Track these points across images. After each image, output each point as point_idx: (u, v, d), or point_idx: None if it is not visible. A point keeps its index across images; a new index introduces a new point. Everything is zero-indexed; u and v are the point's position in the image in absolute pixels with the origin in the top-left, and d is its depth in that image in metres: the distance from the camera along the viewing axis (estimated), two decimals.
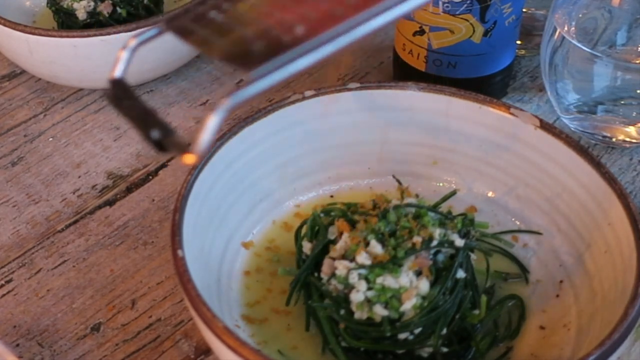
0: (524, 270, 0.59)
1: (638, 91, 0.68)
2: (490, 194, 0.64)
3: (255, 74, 0.40)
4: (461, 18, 0.68)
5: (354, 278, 0.52)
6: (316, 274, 0.55)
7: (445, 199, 0.62)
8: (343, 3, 0.42)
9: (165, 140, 0.41)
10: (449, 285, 0.52)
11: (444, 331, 0.52)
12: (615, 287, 0.53)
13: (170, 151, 0.41)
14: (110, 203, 0.69)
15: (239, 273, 0.59)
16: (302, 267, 0.56)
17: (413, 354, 0.53)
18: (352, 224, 0.55)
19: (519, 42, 0.78)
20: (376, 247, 0.52)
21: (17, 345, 0.59)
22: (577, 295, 0.57)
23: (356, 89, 0.63)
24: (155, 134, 0.41)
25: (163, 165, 0.72)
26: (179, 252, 0.52)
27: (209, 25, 0.44)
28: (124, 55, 0.46)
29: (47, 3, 0.82)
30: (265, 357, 0.47)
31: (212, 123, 0.39)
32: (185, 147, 0.40)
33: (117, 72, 0.46)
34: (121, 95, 0.45)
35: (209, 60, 0.83)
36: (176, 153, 0.41)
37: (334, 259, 0.53)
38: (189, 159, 0.40)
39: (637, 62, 0.71)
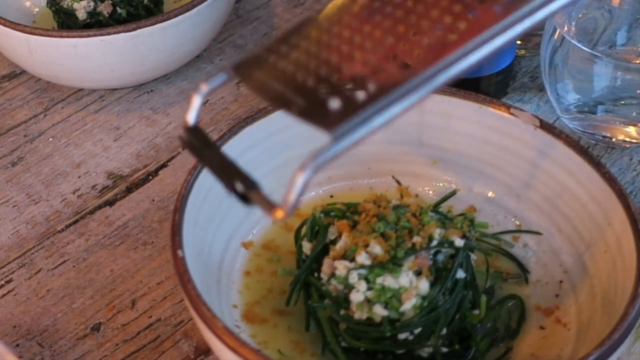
0: (524, 270, 0.59)
1: (638, 91, 0.68)
2: (490, 194, 0.64)
3: (337, 134, 0.40)
4: None
5: (354, 278, 0.52)
6: (316, 274, 0.55)
7: (445, 199, 0.62)
8: (414, 55, 0.41)
9: (250, 193, 0.41)
10: (449, 285, 0.52)
11: (444, 331, 0.52)
12: (615, 287, 0.53)
13: (255, 204, 0.41)
14: (110, 203, 0.69)
15: (239, 273, 0.59)
16: (302, 267, 0.56)
17: (413, 354, 0.53)
18: (352, 224, 0.55)
19: (519, 42, 0.78)
20: (376, 247, 0.52)
21: (17, 345, 0.59)
22: (577, 295, 0.57)
23: None
24: (240, 187, 0.41)
25: (163, 165, 0.72)
26: (179, 252, 0.52)
27: (280, 77, 0.43)
28: (196, 100, 0.46)
29: (47, 3, 0.82)
30: (265, 357, 0.47)
31: (300, 182, 0.40)
32: (272, 203, 0.40)
33: (191, 119, 0.45)
34: (200, 143, 0.45)
35: (209, 60, 0.83)
36: (263, 207, 0.41)
37: (334, 259, 0.53)
38: (279, 214, 0.40)
39: (637, 62, 0.71)
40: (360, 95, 0.40)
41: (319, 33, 0.44)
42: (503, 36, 0.41)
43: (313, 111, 0.41)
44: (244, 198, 0.42)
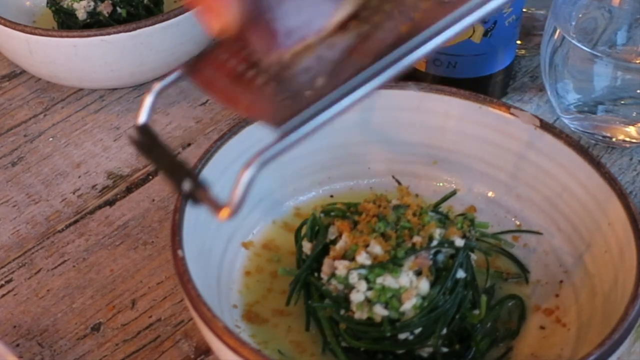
0: (524, 270, 0.59)
1: (638, 91, 0.68)
2: (490, 194, 0.64)
3: (284, 130, 0.40)
4: None
5: (354, 278, 0.52)
6: (316, 274, 0.55)
7: (445, 199, 0.62)
8: (367, 51, 0.41)
9: (197, 193, 0.41)
10: (449, 285, 0.52)
11: (444, 331, 0.52)
12: (615, 287, 0.53)
13: (202, 203, 0.41)
14: (110, 203, 0.69)
15: (239, 273, 0.59)
16: (302, 267, 0.56)
17: (413, 354, 0.53)
18: (352, 224, 0.55)
19: (519, 42, 0.78)
20: (376, 247, 0.52)
21: (17, 345, 0.59)
22: (577, 295, 0.57)
23: None
24: (187, 186, 0.41)
25: None
26: (179, 252, 0.52)
27: (228, 75, 0.43)
28: (149, 99, 0.46)
29: (47, 3, 0.82)
30: (265, 357, 0.47)
31: (245, 179, 0.40)
32: (217, 202, 0.40)
33: (143, 118, 0.46)
34: (149, 141, 0.45)
35: None
36: (208, 206, 0.41)
37: (334, 259, 0.53)
38: (224, 213, 0.40)
39: (637, 62, 0.71)
40: (308, 91, 0.40)
41: None
42: (449, 30, 0.41)
43: (260, 108, 0.41)
44: (192, 197, 0.41)
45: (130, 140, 0.46)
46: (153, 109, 0.46)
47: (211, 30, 0.42)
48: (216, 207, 0.41)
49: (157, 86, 0.46)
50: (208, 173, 0.57)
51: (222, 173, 0.59)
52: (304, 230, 0.58)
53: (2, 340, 0.58)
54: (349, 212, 0.57)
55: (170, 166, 0.43)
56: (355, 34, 0.42)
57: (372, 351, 0.53)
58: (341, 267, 0.52)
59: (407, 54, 0.41)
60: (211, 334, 0.48)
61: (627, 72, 0.68)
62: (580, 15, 0.71)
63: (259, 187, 0.62)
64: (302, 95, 0.40)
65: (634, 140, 0.71)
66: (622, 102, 0.69)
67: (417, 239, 0.53)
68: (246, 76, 0.42)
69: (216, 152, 0.59)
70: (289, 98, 0.40)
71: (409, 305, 0.51)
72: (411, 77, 0.72)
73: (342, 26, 0.42)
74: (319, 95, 0.40)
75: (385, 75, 0.41)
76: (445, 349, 0.53)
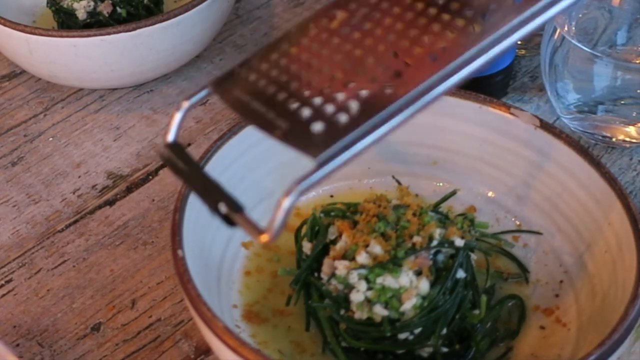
0: (524, 270, 0.59)
1: (638, 91, 0.68)
2: (490, 194, 0.64)
3: (322, 159, 0.40)
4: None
5: (354, 278, 0.52)
6: (316, 274, 0.55)
7: (445, 199, 0.62)
8: (396, 77, 0.41)
9: (234, 216, 0.40)
10: (449, 285, 0.52)
11: (444, 331, 0.52)
12: (615, 287, 0.53)
13: (240, 226, 0.41)
14: (110, 203, 0.69)
15: (239, 273, 0.59)
16: (302, 267, 0.56)
17: (413, 354, 0.53)
18: (352, 224, 0.55)
19: (519, 42, 0.77)
20: (376, 247, 0.52)
21: (17, 345, 0.59)
22: (577, 295, 0.57)
23: None
24: (224, 209, 0.41)
25: (163, 165, 0.72)
26: (179, 252, 0.52)
27: (261, 97, 0.42)
28: (177, 117, 0.45)
29: (47, 3, 0.82)
30: (265, 357, 0.47)
31: (285, 206, 0.39)
32: (257, 226, 0.40)
33: (171, 136, 0.45)
34: (179, 160, 0.44)
35: (209, 59, 0.83)
36: (247, 230, 0.40)
37: (334, 259, 0.53)
38: (264, 238, 0.39)
39: (637, 62, 0.71)
40: (344, 118, 0.40)
41: (299, 50, 0.43)
42: (487, 54, 0.41)
43: (296, 135, 0.40)
44: (228, 220, 0.41)
45: (160, 158, 0.45)
46: (180, 127, 0.45)
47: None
48: (255, 231, 0.40)
49: (186, 104, 0.45)
50: (208, 173, 0.57)
51: (222, 173, 0.59)
52: (304, 230, 0.58)
53: (2, 340, 0.58)
54: (349, 212, 0.56)
55: (204, 187, 0.42)
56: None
57: (372, 351, 0.53)
58: (341, 267, 0.52)
59: (444, 80, 0.41)
60: (211, 334, 0.48)
61: (627, 72, 0.68)
62: (580, 15, 0.71)
63: (259, 187, 0.62)
64: (337, 123, 0.40)
65: (634, 140, 0.71)
66: (622, 102, 0.69)
67: (417, 239, 0.53)
68: (288, 105, 0.41)
69: (216, 152, 0.59)
70: (325, 126, 0.40)
71: (409, 305, 0.51)
72: None
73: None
74: (356, 124, 0.40)
75: (422, 101, 0.40)
76: (445, 349, 0.53)
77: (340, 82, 0.41)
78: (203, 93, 0.45)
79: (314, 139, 0.40)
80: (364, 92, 0.41)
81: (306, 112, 0.41)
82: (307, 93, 0.41)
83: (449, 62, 0.40)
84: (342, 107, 0.40)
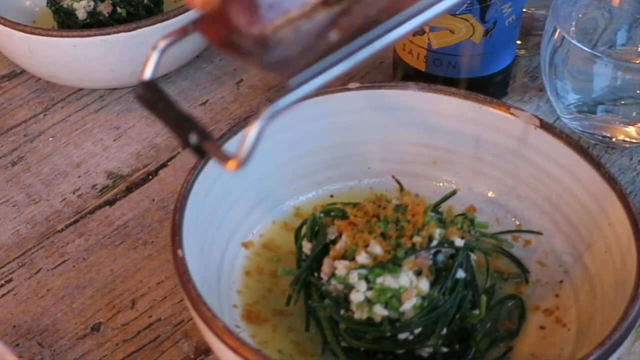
0: (524, 270, 0.59)
1: (638, 91, 0.68)
2: (490, 194, 0.64)
3: (294, 82, 0.40)
4: (461, 18, 0.68)
5: (354, 278, 0.52)
6: (316, 274, 0.55)
7: (445, 199, 0.62)
8: (348, 26, 0.41)
9: (204, 145, 0.41)
10: (449, 285, 0.52)
11: (444, 331, 0.52)
12: (615, 287, 0.53)
13: (210, 156, 0.41)
14: (110, 203, 0.69)
15: (239, 273, 0.59)
16: (302, 267, 0.56)
17: (413, 354, 0.53)
18: (352, 224, 0.55)
19: (519, 42, 0.78)
20: (376, 247, 0.52)
21: (17, 345, 0.59)
22: (577, 295, 0.57)
23: (356, 89, 0.63)
24: (194, 138, 0.41)
25: (163, 165, 0.72)
26: (179, 252, 0.52)
27: (239, 30, 0.43)
28: (154, 56, 0.46)
29: (47, 3, 0.82)
30: (265, 357, 0.47)
31: (254, 131, 0.39)
32: (225, 154, 0.40)
33: (147, 74, 0.45)
34: (154, 97, 0.44)
35: (209, 59, 0.83)
36: (217, 158, 0.41)
37: (334, 259, 0.53)
38: (232, 165, 0.40)
39: (637, 62, 0.71)
40: (319, 45, 0.40)
41: None
42: None
43: (271, 60, 0.41)
44: (199, 150, 0.41)
45: (135, 95, 0.45)
46: (158, 66, 0.45)
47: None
48: (224, 159, 0.40)
49: (163, 43, 0.46)
50: (208, 173, 0.57)
51: (222, 173, 0.59)
52: (304, 230, 0.58)
53: (2, 340, 0.58)
54: (349, 212, 0.57)
55: (176, 120, 0.42)
56: (338, 9, 0.42)
57: (372, 351, 0.53)
58: (341, 267, 0.52)
59: (389, 31, 0.41)
60: (211, 334, 0.48)
61: (627, 72, 0.68)
62: (580, 15, 0.71)
63: (259, 187, 0.62)
64: (313, 49, 0.40)
65: (634, 140, 0.71)
66: (622, 102, 0.69)
67: (417, 239, 0.53)
68: (255, 30, 0.42)
69: (221, 145, 0.58)
70: (299, 51, 0.40)
71: (409, 305, 0.51)
72: (411, 77, 0.72)
73: (324, 1, 0.42)
74: (329, 51, 0.40)
75: (399, 31, 0.41)
76: (445, 349, 0.53)
77: (317, 11, 0.42)
78: (180, 33, 0.46)
79: (288, 63, 0.40)
80: (340, 21, 0.41)
81: (282, 39, 0.41)
82: (281, 22, 0.42)
83: (399, 10, 0.41)
84: (318, 35, 0.41)
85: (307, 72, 0.40)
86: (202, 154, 0.41)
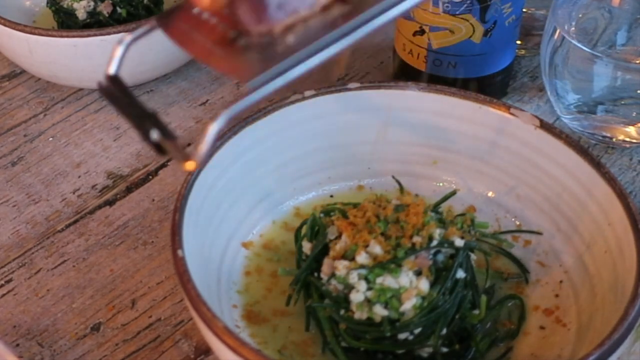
0: (524, 270, 0.59)
1: (638, 91, 0.68)
2: (490, 194, 0.64)
3: (253, 84, 0.40)
4: (461, 18, 0.68)
5: (354, 278, 0.52)
6: (316, 274, 0.55)
7: (445, 199, 0.62)
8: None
9: (165, 143, 0.41)
10: (449, 285, 0.52)
11: (444, 331, 0.52)
12: (615, 287, 0.53)
13: (169, 154, 0.41)
14: (110, 203, 0.69)
15: (239, 273, 0.59)
16: (302, 267, 0.56)
17: (413, 354, 0.53)
18: (352, 224, 0.55)
19: (519, 42, 0.78)
20: (376, 247, 0.52)
21: (17, 345, 0.59)
22: (577, 295, 0.57)
23: (356, 89, 0.63)
24: (155, 135, 0.41)
25: (163, 165, 0.72)
26: (179, 252, 0.52)
27: (201, 28, 0.43)
28: (119, 50, 0.46)
29: (47, 3, 0.82)
30: (265, 357, 0.47)
31: (212, 132, 0.40)
32: (184, 153, 0.40)
33: (113, 69, 0.46)
34: (118, 92, 0.44)
35: None
36: (176, 157, 0.41)
37: (334, 259, 0.53)
38: (190, 165, 0.40)
39: (637, 62, 0.71)
40: (279, 46, 0.40)
41: None
42: None
43: (231, 61, 0.41)
44: (158, 147, 0.41)
45: (98, 87, 0.45)
46: (123, 61, 0.46)
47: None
48: (182, 158, 0.41)
49: (129, 37, 0.46)
50: (208, 173, 0.57)
51: (222, 173, 0.59)
52: (304, 230, 0.58)
53: (2, 340, 0.58)
54: (349, 212, 0.56)
55: (138, 116, 0.43)
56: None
57: (372, 351, 0.53)
58: (341, 267, 0.52)
59: (379, 14, 0.41)
60: (211, 334, 0.48)
61: (627, 72, 0.68)
62: (580, 15, 0.71)
63: (259, 187, 0.62)
64: (272, 51, 0.40)
65: (634, 140, 0.71)
66: (622, 102, 0.69)
67: (417, 239, 0.53)
68: (226, 36, 0.42)
69: (216, 152, 0.59)
70: (259, 53, 0.40)
71: (408, 305, 0.51)
72: (411, 77, 0.72)
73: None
74: (289, 52, 0.40)
75: (356, 35, 0.41)
76: (445, 349, 0.53)
77: (278, 11, 0.42)
78: (146, 27, 0.46)
79: (248, 65, 0.40)
80: (300, 21, 0.41)
81: (242, 41, 0.41)
82: (245, 22, 0.42)
83: None
84: (279, 36, 0.41)
85: (265, 74, 0.40)
86: (162, 152, 0.41)
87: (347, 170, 0.65)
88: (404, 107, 0.63)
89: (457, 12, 0.68)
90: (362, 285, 0.51)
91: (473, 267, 0.55)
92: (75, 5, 0.78)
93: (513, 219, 0.63)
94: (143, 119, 0.42)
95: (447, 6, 0.68)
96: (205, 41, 0.43)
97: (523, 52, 0.81)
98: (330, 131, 0.64)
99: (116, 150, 0.74)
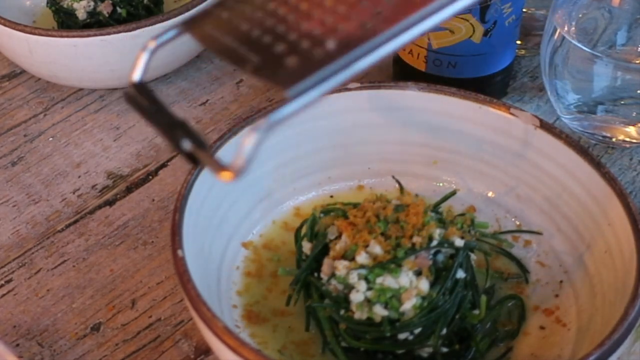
0: (524, 270, 0.59)
1: (638, 91, 0.68)
2: (490, 194, 0.64)
3: (292, 93, 0.38)
4: (461, 18, 0.68)
5: (354, 278, 0.52)
6: (316, 274, 0.55)
7: (445, 199, 0.62)
8: (372, 14, 0.40)
9: (198, 153, 0.39)
10: (449, 285, 0.52)
11: (444, 331, 0.52)
12: (615, 287, 0.53)
13: (203, 164, 0.40)
14: (110, 203, 0.69)
15: (239, 273, 0.59)
16: (302, 267, 0.56)
17: (413, 354, 0.53)
18: (352, 224, 0.55)
19: (519, 42, 0.78)
20: (376, 247, 0.52)
21: (17, 345, 0.59)
22: (577, 295, 0.57)
23: (356, 89, 0.63)
24: (187, 145, 0.40)
25: (163, 165, 0.72)
26: (179, 252, 0.52)
27: (234, 33, 0.42)
28: (144, 57, 0.44)
29: (47, 3, 0.82)
30: (265, 357, 0.47)
31: (251, 142, 0.38)
32: (220, 163, 0.39)
33: (137, 76, 0.44)
34: (144, 100, 0.43)
35: (209, 59, 0.83)
36: (210, 167, 0.39)
37: (334, 259, 0.53)
38: (226, 176, 0.38)
39: (637, 62, 0.71)
40: (318, 53, 0.39)
41: None
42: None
43: (268, 68, 0.39)
44: (192, 158, 0.40)
45: (124, 96, 0.44)
46: (147, 68, 0.44)
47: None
48: (218, 168, 0.39)
49: (153, 44, 0.45)
50: (208, 173, 0.57)
51: None
52: (304, 230, 0.58)
53: (2, 340, 0.58)
54: (349, 212, 0.57)
55: (168, 125, 0.41)
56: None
57: (372, 351, 0.53)
58: (341, 267, 0.52)
59: (422, 19, 0.40)
60: (211, 334, 0.48)
61: (627, 72, 0.68)
62: (580, 15, 0.71)
63: (259, 187, 0.62)
64: (312, 57, 0.39)
65: (634, 140, 0.71)
66: (622, 102, 0.69)
67: (417, 239, 0.53)
68: (262, 41, 0.40)
69: (216, 152, 0.59)
70: (298, 60, 0.39)
71: (408, 305, 0.51)
72: (411, 77, 0.72)
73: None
74: (330, 59, 0.39)
75: (398, 41, 0.39)
76: (445, 349, 0.53)
77: (318, 18, 0.41)
78: (172, 33, 0.45)
79: (286, 72, 0.39)
80: (340, 28, 0.40)
81: (280, 47, 0.40)
82: (282, 29, 0.41)
83: (429, 3, 0.40)
84: (318, 42, 0.39)
85: (306, 82, 0.38)
86: (195, 162, 0.40)
87: (347, 170, 0.65)
88: (404, 107, 0.63)
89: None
90: (362, 285, 0.51)
91: (473, 267, 0.55)
92: (75, 5, 0.78)
93: (513, 219, 0.63)
94: (173, 128, 0.41)
95: None
96: (238, 46, 0.41)
97: (523, 52, 0.81)
98: (330, 131, 0.64)
99: (116, 150, 0.74)
